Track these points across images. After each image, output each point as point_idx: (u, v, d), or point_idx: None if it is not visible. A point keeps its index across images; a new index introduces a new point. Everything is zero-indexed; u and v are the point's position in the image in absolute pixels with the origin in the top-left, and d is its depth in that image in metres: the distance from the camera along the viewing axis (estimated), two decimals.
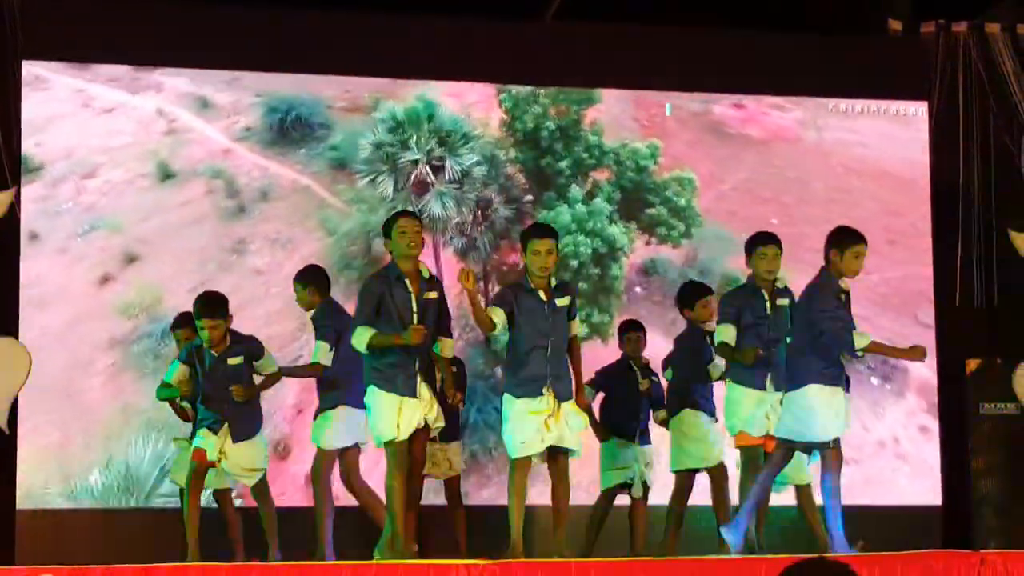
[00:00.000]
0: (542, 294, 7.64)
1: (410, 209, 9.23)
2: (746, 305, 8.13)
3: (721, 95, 11.62)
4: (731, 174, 11.70)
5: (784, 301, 8.13)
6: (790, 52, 11.51)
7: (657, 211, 11.59)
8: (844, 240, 7.73)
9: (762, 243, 8.26)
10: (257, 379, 8.49)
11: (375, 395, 7.68)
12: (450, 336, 7.99)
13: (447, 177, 11.28)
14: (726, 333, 8.12)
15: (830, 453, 7.63)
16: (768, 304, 8.13)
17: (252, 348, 8.48)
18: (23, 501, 10.30)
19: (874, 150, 11.82)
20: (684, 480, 8.90)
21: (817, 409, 7.58)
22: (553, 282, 7.72)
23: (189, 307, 8.58)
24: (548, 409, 7.54)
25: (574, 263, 11.32)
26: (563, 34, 11.47)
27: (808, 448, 7.82)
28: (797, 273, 8.29)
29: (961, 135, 11.56)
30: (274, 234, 11.15)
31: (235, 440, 8.33)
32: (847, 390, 7.82)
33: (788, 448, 7.73)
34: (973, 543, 10.20)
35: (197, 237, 11.08)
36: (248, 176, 11.23)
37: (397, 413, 7.60)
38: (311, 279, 8.71)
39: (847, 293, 7.73)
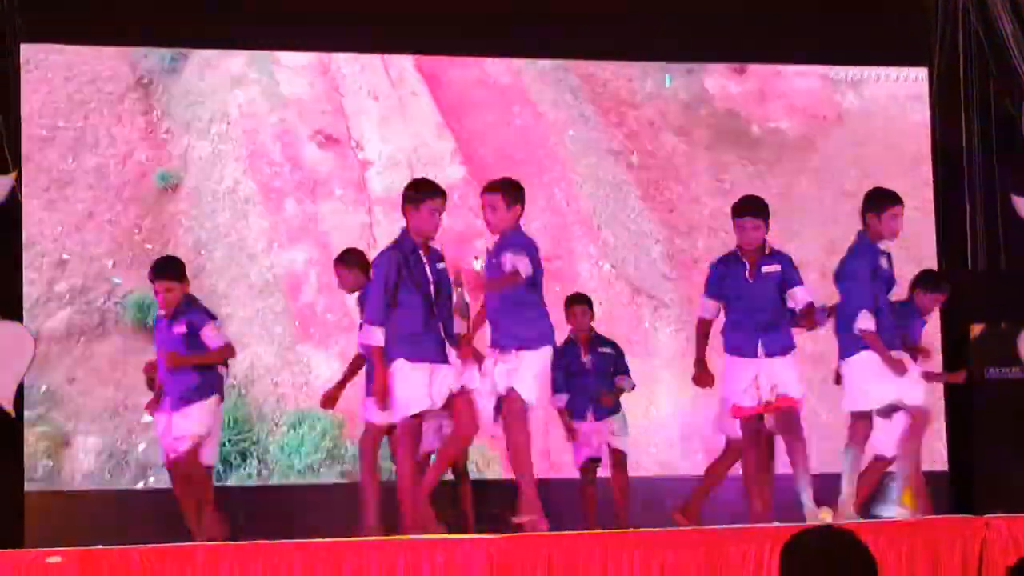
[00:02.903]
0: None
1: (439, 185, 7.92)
2: (727, 275, 7.97)
3: (716, 64, 11.53)
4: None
5: (773, 267, 7.87)
6: (789, 19, 11.44)
7: None
8: (880, 202, 7.69)
9: (737, 214, 8.00)
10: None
11: (402, 366, 7.49)
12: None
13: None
14: (703, 307, 8.07)
15: (912, 412, 7.62)
16: (748, 271, 7.89)
17: (196, 318, 8.32)
18: (31, 483, 10.24)
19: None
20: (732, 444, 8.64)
21: (874, 374, 7.55)
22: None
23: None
24: None
25: None
26: None
27: (883, 413, 7.77)
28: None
29: (962, 100, 11.52)
30: None
31: (173, 408, 8.27)
32: (901, 348, 7.79)
33: (864, 418, 7.70)
34: (978, 508, 10.19)
35: None
36: None
37: (428, 383, 7.46)
38: (353, 261, 8.63)
39: (888, 255, 7.70)
